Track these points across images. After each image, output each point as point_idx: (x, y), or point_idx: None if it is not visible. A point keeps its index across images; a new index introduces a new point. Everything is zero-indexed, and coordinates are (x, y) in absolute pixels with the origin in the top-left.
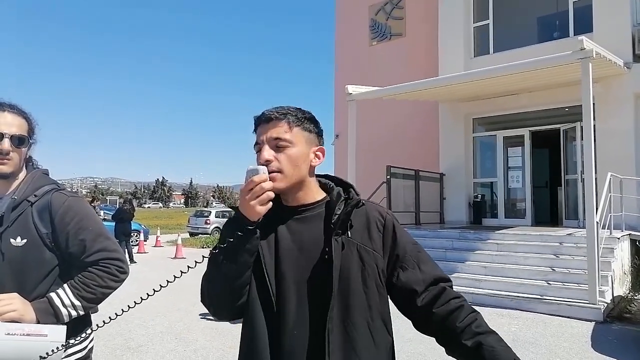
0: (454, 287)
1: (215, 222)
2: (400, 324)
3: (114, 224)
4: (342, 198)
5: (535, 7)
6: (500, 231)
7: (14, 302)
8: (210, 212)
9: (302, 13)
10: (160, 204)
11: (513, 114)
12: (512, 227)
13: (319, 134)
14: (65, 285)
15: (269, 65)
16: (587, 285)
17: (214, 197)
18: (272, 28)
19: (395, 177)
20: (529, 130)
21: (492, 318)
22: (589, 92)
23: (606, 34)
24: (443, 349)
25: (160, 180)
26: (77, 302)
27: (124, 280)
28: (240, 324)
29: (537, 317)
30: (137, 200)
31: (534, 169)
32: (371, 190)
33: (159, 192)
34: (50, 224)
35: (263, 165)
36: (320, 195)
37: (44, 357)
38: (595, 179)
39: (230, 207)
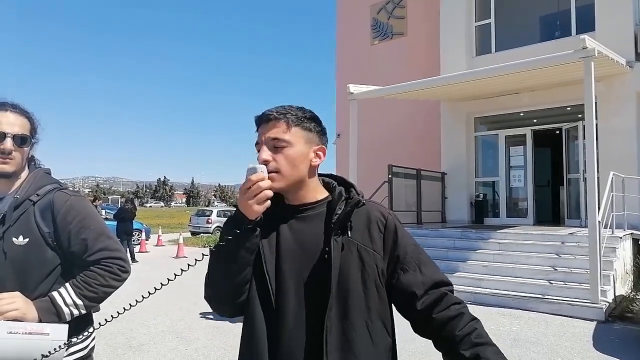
0: (456, 286)
1: (216, 221)
2: (403, 322)
3: (115, 223)
4: (343, 198)
5: (537, 6)
6: (502, 230)
7: (16, 300)
8: (212, 211)
9: (302, 13)
10: (162, 203)
11: (515, 113)
12: (513, 227)
13: (321, 132)
14: (67, 284)
15: (270, 65)
16: (589, 285)
17: (215, 197)
18: (272, 28)
19: (396, 176)
20: (531, 130)
21: (494, 317)
22: (591, 91)
23: (608, 32)
24: None
25: (162, 179)
26: (78, 301)
27: (125, 279)
28: (241, 323)
29: (538, 316)
30: (139, 200)
31: (536, 168)
32: (373, 190)
33: (161, 191)
34: (53, 223)
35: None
36: (322, 194)
37: (46, 356)
38: (598, 178)
39: (234, 206)
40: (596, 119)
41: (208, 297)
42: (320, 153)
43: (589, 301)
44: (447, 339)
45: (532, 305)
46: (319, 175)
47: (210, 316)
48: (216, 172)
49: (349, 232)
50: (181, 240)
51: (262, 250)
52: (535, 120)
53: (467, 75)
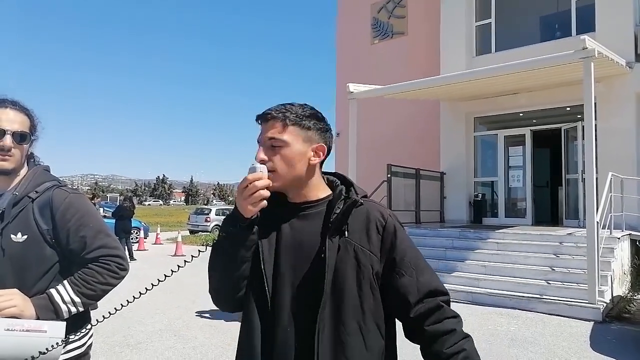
0: (454, 285)
1: (215, 219)
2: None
3: (114, 221)
4: (342, 197)
5: (538, 6)
6: (501, 230)
7: (14, 297)
8: (211, 209)
9: (303, 9)
10: (161, 202)
11: (514, 113)
12: (512, 227)
13: (322, 130)
14: (65, 282)
15: (270, 62)
16: (586, 285)
17: (214, 195)
18: (272, 24)
19: (395, 175)
20: (530, 130)
21: (492, 317)
22: (590, 91)
23: (608, 33)
24: None
25: (161, 177)
26: (76, 299)
27: (123, 277)
28: (237, 322)
29: (536, 316)
30: (138, 198)
31: (534, 168)
32: (372, 189)
33: (160, 189)
34: (51, 220)
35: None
36: (324, 192)
37: (44, 353)
38: (596, 178)
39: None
40: (595, 119)
41: (210, 291)
42: (320, 151)
43: (587, 301)
44: (434, 354)
45: (529, 305)
46: (325, 173)
47: (208, 315)
48: (215, 170)
49: (346, 232)
50: (179, 239)
51: (261, 249)
52: (534, 121)
53: (466, 75)
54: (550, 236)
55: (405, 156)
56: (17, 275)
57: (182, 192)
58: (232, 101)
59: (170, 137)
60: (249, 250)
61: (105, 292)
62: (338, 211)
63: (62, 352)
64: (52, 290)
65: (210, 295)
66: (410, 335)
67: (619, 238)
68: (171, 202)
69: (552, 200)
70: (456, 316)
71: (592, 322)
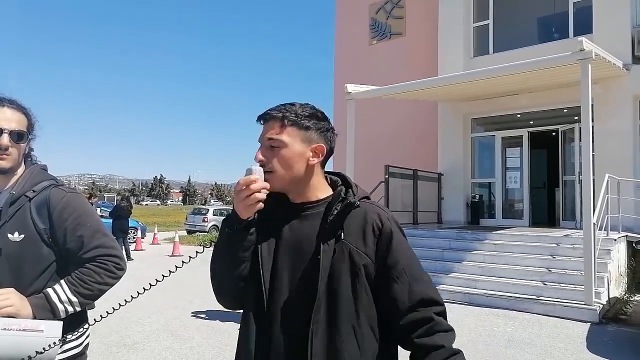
0: (451, 286)
1: (212, 220)
2: None
3: (111, 220)
4: (341, 198)
5: (536, 7)
6: (498, 231)
7: (10, 297)
8: (208, 209)
9: (302, 7)
10: (158, 202)
11: (512, 115)
12: (509, 228)
13: (322, 130)
14: (62, 281)
15: (269, 60)
16: (583, 286)
17: (212, 195)
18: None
19: (393, 176)
20: (528, 131)
21: (488, 318)
22: (587, 93)
23: (606, 35)
24: None
25: (158, 177)
26: (73, 298)
27: (121, 277)
28: (234, 323)
29: (532, 317)
30: (135, 198)
31: (532, 169)
32: (370, 190)
33: (157, 189)
34: (49, 219)
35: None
36: (325, 193)
37: (40, 353)
38: (593, 180)
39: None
40: (592, 121)
41: (213, 287)
42: (319, 152)
43: (583, 303)
44: None
45: (526, 306)
46: (328, 173)
47: (205, 315)
48: (213, 170)
49: (342, 234)
50: (177, 239)
51: (260, 250)
52: (531, 122)
53: (464, 76)
54: (547, 237)
55: (404, 157)
56: (13, 275)
57: (180, 192)
58: (231, 100)
59: (169, 136)
60: (247, 250)
61: (103, 291)
62: (335, 212)
63: (59, 352)
64: (49, 290)
65: (214, 292)
66: (398, 341)
67: (615, 239)
68: (169, 202)
69: (549, 201)
70: (448, 330)
71: (588, 324)
